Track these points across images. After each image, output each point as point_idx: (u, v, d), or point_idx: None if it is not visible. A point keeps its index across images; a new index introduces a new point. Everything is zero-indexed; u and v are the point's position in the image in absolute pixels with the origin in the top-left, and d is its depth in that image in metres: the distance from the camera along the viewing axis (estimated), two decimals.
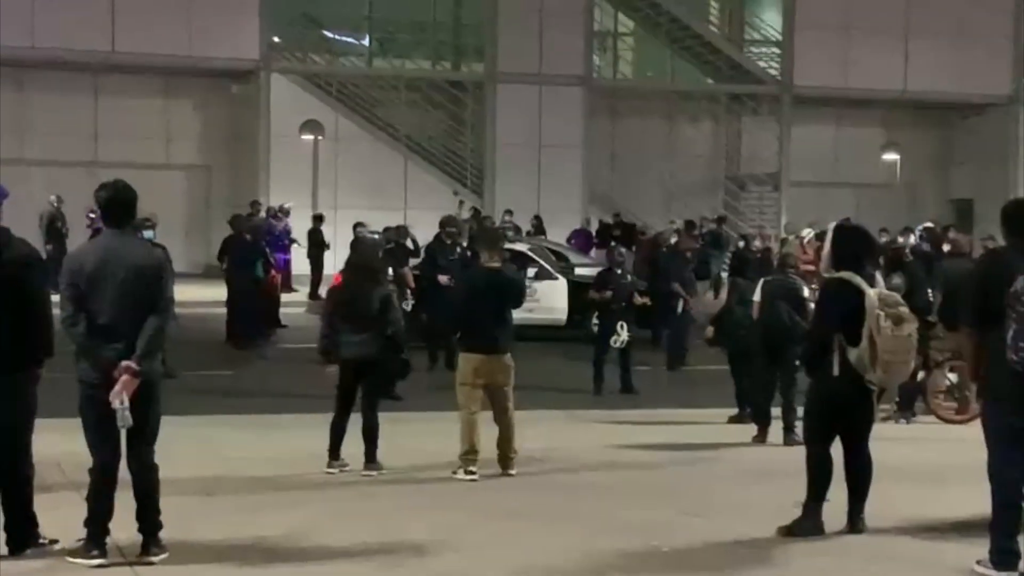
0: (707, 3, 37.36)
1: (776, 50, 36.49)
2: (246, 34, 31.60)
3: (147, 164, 32.63)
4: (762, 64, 36.34)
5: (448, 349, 16.09)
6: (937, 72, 34.89)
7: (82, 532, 7.04)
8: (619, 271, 15.98)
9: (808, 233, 21.91)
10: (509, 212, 28.41)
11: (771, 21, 36.88)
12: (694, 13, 35.71)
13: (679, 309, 18.09)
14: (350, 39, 35.01)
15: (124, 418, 6.85)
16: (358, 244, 12.34)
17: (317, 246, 26.82)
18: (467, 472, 9.80)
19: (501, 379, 10.06)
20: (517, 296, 10.30)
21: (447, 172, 33.70)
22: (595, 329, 16.63)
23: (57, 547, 7.15)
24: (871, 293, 8.03)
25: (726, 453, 11.32)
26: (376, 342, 10.03)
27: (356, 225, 25.62)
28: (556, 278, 21.22)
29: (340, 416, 10.17)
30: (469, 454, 9.89)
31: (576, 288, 21.01)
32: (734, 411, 13.18)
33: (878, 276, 8.47)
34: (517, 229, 26.84)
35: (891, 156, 34.39)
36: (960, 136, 37.78)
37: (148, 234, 16.72)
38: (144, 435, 7.03)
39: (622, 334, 15.54)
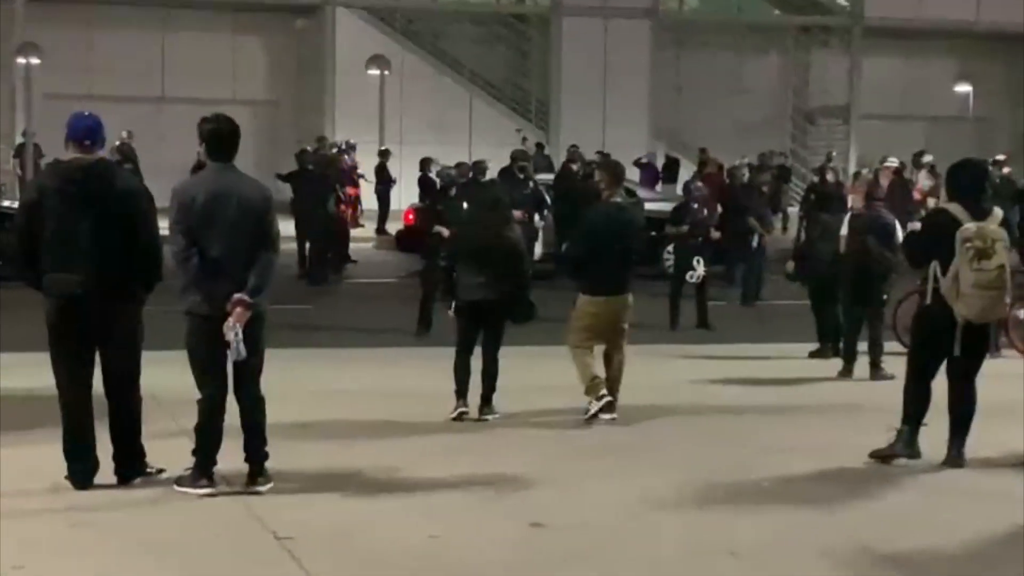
0: None
1: None
2: None
3: (214, 100, 32.74)
4: None
5: None
6: (1010, 2, 34.18)
7: (186, 462, 7.13)
8: (695, 205, 15.84)
9: (893, 162, 21.51)
10: (575, 147, 28.24)
11: None
12: None
13: (755, 244, 17.91)
14: None
15: (238, 350, 6.89)
16: (484, 183, 12.01)
17: (384, 182, 26.83)
18: (598, 400, 9.37)
19: (621, 320, 9.68)
20: (636, 236, 9.92)
21: (512, 107, 33.55)
22: (669, 264, 16.58)
23: (164, 476, 7.25)
24: (967, 225, 7.94)
25: (813, 388, 11.24)
26: (500, 284, 9.46)
27: (424, 160, 25.66)
28: None
29: (462, 357, 9.68)
30: (594, 386, 9.47)
31: (647, 223, 20.90)
32: (814, 346, 13.10)
33: (997, 210, 8.26)
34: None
35: (963, 88, 33.79)
36: None
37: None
38: (253, 367, 7.09)
39: (698, 269, 15.40)
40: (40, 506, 6.80)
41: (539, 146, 29.30)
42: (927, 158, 23.17)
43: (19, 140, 28.26)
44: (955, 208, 8.11)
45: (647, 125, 33.44)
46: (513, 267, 9.55)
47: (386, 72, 28.92)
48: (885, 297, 11.82)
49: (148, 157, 28.28)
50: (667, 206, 24.81)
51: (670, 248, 20.67)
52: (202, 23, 32.82)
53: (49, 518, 6.63)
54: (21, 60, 28.13)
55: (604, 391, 9.44)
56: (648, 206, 22.52)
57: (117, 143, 27.81)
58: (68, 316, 6.88)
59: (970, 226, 7.95)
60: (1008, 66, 36.95)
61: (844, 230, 11.88)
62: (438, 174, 15.24)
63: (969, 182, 8.22)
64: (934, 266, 8.07)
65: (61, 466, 7.10)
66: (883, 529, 6.81)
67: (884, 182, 21.84)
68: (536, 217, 18.31)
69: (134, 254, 6.94)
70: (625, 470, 8.05)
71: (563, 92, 33.04)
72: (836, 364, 12.22)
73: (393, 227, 25.07)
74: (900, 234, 11.46)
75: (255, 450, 7.11)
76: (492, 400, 9.61)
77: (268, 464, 7.16)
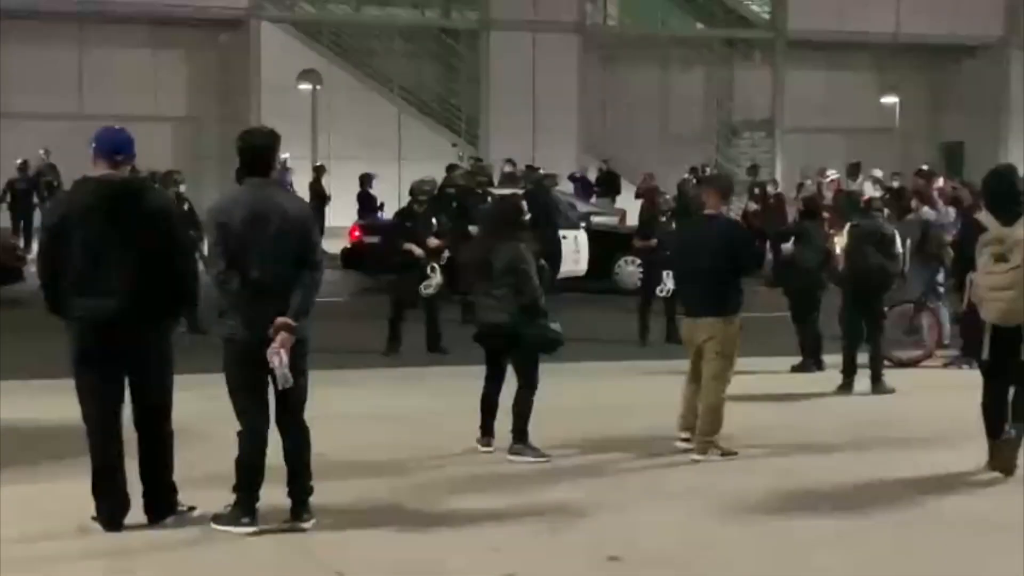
0: None
1: None
2: None
3: (134, 116, 31.96)
4: (755, 8, 35.96)
5: None
6: (930, 14, 34.68)
7: (214, 498, 6.68)
8: (663, 219, 15.64)
9: (833, 175, 21.60)
10: (510, 161, 27.97)
11: None
12: None
13: None
14: None
15: (284, 377, 6.48)
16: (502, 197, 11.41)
17: (319, 198, 26.29)
18: (681, 440, 8.97)
19: (703, 345, 8.93)
20: (747, 254, 9.14)
21: (441, 122, 33.19)
22: (638, 279, 16.34)
23: (196, 514, 6.78)
24: (991, 231, 8.00)
25: (821, 403, 11.05)
26: (506, 305, 8.82)
27: (364, 176, 25.20)
28: (577, 228, 20.77)
29: (485, 388, 9.11)
30: (680, 420, 9.09)
31: (596, 237, 20.73)
32: (795, 359, 12.95)
33: None
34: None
35: (890, 99, 34.14)
36: (952, 80, 37.61)
37: (182, 188, 16.36)
38: (297, 395, 6.67)
39: (667, 283, 15.19)
40: (71, 551, 6.31)
41: (476, 160, 28.90)
42: (876, 172, 23.29)
43: None
44: (984, 216, 8.26)
45: (576, 139, 33.28)
46: (516, 286, 8.93)
47: (318, 87, 28.39)
48: (885, 309, 11.71)
49: (68, 175, 27.51)
50: (611, 219, 24.90)
51: (621, 262, 20.77)
52: (121, 37, 32.00)
53: (85, 567, 6.12)
54: None
55: (683, 429, 9.02)
56: (594, 219, 22.50)
57: (34, 162, 27.12)
58: (97, 342, 6.39)
59: (991, 231, 8.01)
60: (928, 77, 37.50)
61: (842, 242, 11.74)
62: (412, 189, 14.80)
63: (997, 189, 8.31)
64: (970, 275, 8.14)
65: (85, 505, 6.60)
66: None
67: (828, 193, 21.96)
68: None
69: (168, 276, 6.46)
70: (682, 498, 7.72)
71: (492, 106, 32.75)
72: (821, 378, 12.07)
73: (333, 245, 24.55)
74: (899, 244, 11.37)
75: (301, 484, 6.69)
76: (525, 437, 8.78)
77: None
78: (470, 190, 17.72)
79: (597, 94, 34.46)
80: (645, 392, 11.45)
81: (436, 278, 14.13)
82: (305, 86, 28.59)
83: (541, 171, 22.47)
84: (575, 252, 20.12)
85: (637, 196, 28.15)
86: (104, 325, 6.36)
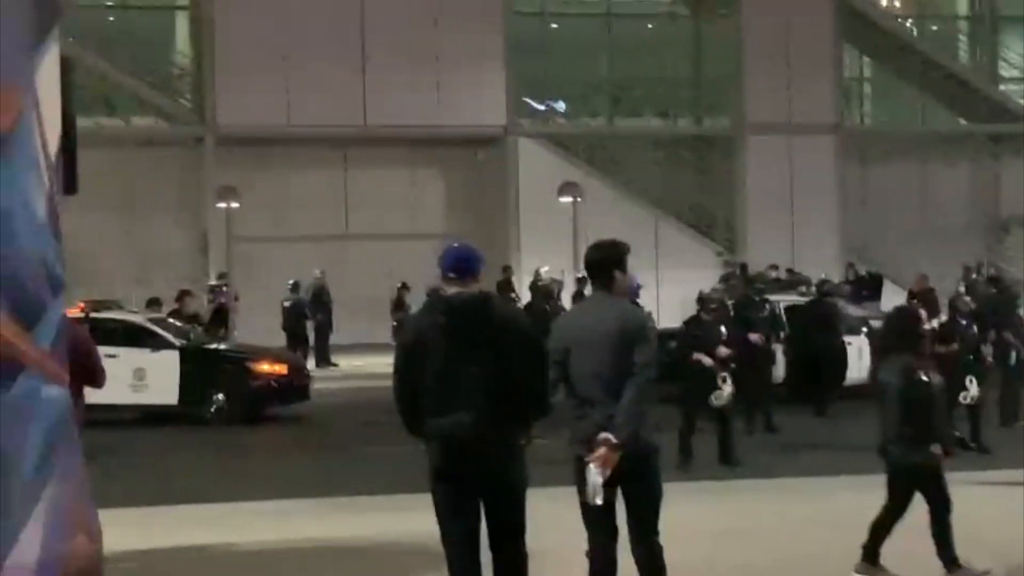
0: (956, 40, 36.00)
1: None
2: (493, 100, 31.61)
3: (393, 234, 32.90)
4: (1021, 101, 34.73)
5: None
6: None
7: None
8: (964, 322, 14.94)
9: None
10: (774, 267, 27.39)
11: None
12: (944, 51, 34.42)
13: (1013, 360, 16.86)
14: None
15: (596, 491, 6.31)
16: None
17: None
18: None
19: None
20: None
21: (698, 229, 32.99)
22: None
23: None
24: None
25: None
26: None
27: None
28: (858, 333, 19.98)
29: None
30: None
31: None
32: None
33: None
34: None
35: None
36: None
37: None
38: (645, 515, 6.47)
39: (972, 388, 14.51)
40: None
41: (743, 266, 28.56)
42: None
43: (212, 282, 28.48)
44: None
45: (837, 241, 32.55)
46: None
47: (579, 199, 28.62)
48: None
49: (335, 292, 28.37)
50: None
51: None
52: (382, 158, 33.06)
53: None
54: (221, 204, 28.43)
55: None
56: (874, 323, 21.71)
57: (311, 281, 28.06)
58: (455, 460, 6.31)
59: None
60: None
61: None
62: (701, 297, 14.59)
63: None
64: None
65: None
66: None
67: None
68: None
69: (519, 389, 6.37)
70: None
71: (750, 211, 32.41)
72: None
73: None
74: None
75: None
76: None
77: None
78: (747, 298, 17.37)
79: (856, 195, 33.73)
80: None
81: (727, 388, 13.79)
82: (566, 199, 28.85)
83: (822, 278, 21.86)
84: (859, 359, 19.44)
85: (911, 297, 27.25)
86: (461, 442, 6.28)
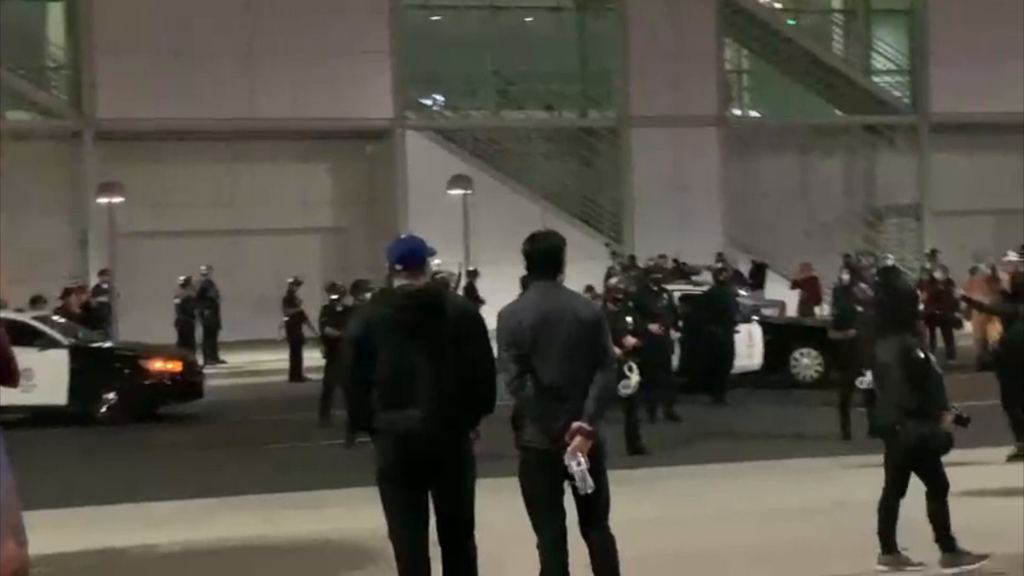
0: (830, 34, 36.78)
1: (899, 78, 35.86)
2: (380, 94, 31.45)
3: (284, 229, 32.53)
4: (896, 93, 35.62)
5: None
6: None
7: None
8: (860, 308, 15.26)
9: (1013, 256, 21.00)
10: (663, 257, 27.64)
11: (898, 46, 36.22)
12: (820, 44, 35.15)
13: None
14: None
15: (585, 481, 6.29)
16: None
17: (475, 302, 26.31)
18: None
19: None
20: None
21: (585, 221, 33.20)
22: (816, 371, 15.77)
23: None
24: None
25: None
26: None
27: (525, 279, 25.07)
28: (749, 321, 20.30)
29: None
30: None
31: (770, 330, 20.39)
32: (1010, 448, 12.45)
33: None
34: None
35: None
36: None
37: (368, 296, 16.43)
38: (603, 501, 6.47)
39: (867, 375, 14.76)
40: None
41: (631, 258, 28.79)
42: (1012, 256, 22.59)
43: (94, 281, 27.82)
44: None
45: (721, 231, 33.04)
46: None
47: (469, 191, 28.62)
48: None
49: (225, 288, 27.97)
50: (773, 311, 24.52)
51: (797, 354, 20.37)
52: (269, 152, 32.66)
53: None
54: (103, 200, 27.77)
55: None
56: (765, 311, 22.17)
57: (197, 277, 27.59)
58: (406, 456, 6.24)
59: None
60: None
61: None
62: (607, 288, 14.69)
63: None
64: None
65: None
66: None
67: (1004, 275, 21.32)
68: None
69: (472, 383, 6.32)
70: None
71: (636, 203, 32.73)
72: None
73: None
74: None
75: None
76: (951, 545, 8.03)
77: None
78: (647, 288, 17.52)
79: (739, 186, 34.27)
80: None
81: (635, 377, 13.91)
82: (456, 191, 28.82)
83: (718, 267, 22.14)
84: (749, 346, 19.77)
85: (794, 286, 27.83)
86: (412, 438, 6.21)
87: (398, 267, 6.41)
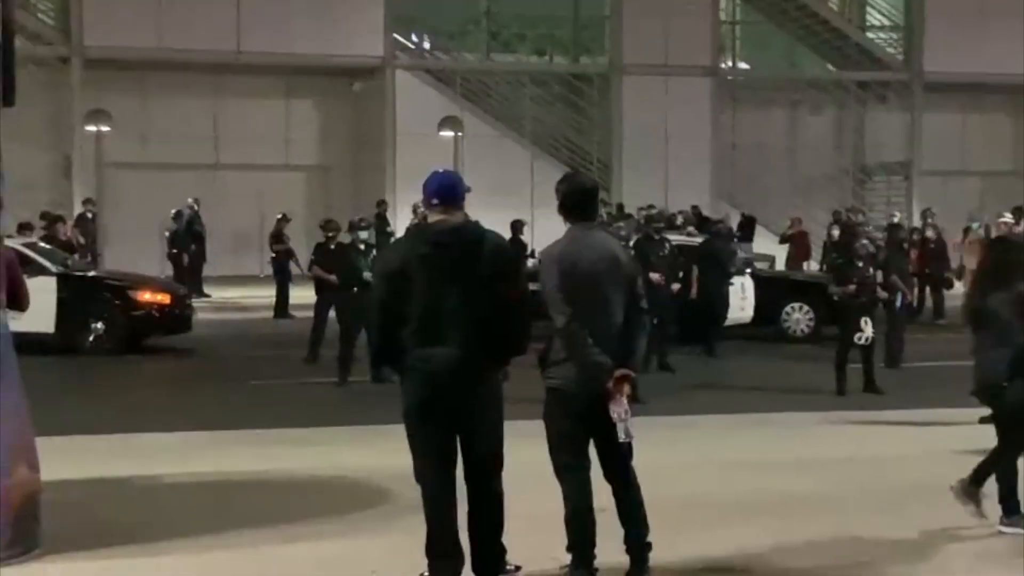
0: None
1: (894, 35, 35.67)
2: (369, 31, 31.04)
3: (266, 166, 32.24)
4: (890, 50, 35.42)
5: None
6: None
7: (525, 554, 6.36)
8: (860, 264, 15.16)
9: (1008, 217, 20.97)
10: (652, 207, 27.51)
11: (894, 2, 36.00)
12: None
13: (899, 303, 17.22)
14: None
15: (627, 430, 6.18)
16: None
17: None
18: None
19: None
20: None
21: (574, 168, 32.94)
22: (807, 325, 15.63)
23: (522, 574, 6.47)
24: None
25: None
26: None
27: (515, 223, 24.99)
28: (743, 274, 20.21)
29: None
30: None
31: (762, 284, 20.32)
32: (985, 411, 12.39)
33: None
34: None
35: None
36: None
37: (363, 235, 16.25)
38: (629, 446, 6.34)
39: (867, 330, 14.78)
40: None
41: (619, 207, 28.63)
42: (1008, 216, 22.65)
43: (78, 210, 27.49)
44: None
45: (709, 183, 32.90)
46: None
47: (460, 133, 28.33)
48: None
49: (207, 224, 27.67)
50: (761, 264, 24.43)
51: (789, 308, 20.31)
52: (255, 87, 32.27)
53: None
54: (90, 128, 27.37)
55: None
56: (758, 265, 22.08)
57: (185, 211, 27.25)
58: (438, 394, 6.10)
59: None
60: None
61: None
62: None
63: None
64: None
65: (411, 562, 6.31)
66: None
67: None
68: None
69: (507, 323, 6.16)
70: None
71: (625, 151, 32.51)
72: None
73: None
74: None
75: (637, 537, 6.34)
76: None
77: None
78: (648, 236, 17.34)
79: (729, 138, 34.10)
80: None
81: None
82: (447, 133, 28.54)
83: (715, 219, 22.04)
84: (741, 299, 19.69)
85: (783, 240, 27.75)
86: (443, 375, 6.07)
87: (435, 202, 6.25)
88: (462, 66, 32.98)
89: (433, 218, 6.25)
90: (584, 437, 6.35)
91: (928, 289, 23.20)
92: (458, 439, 6.20)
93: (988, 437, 10.08)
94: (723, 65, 34.08)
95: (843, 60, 35.32)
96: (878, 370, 15.53)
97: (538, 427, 6.48)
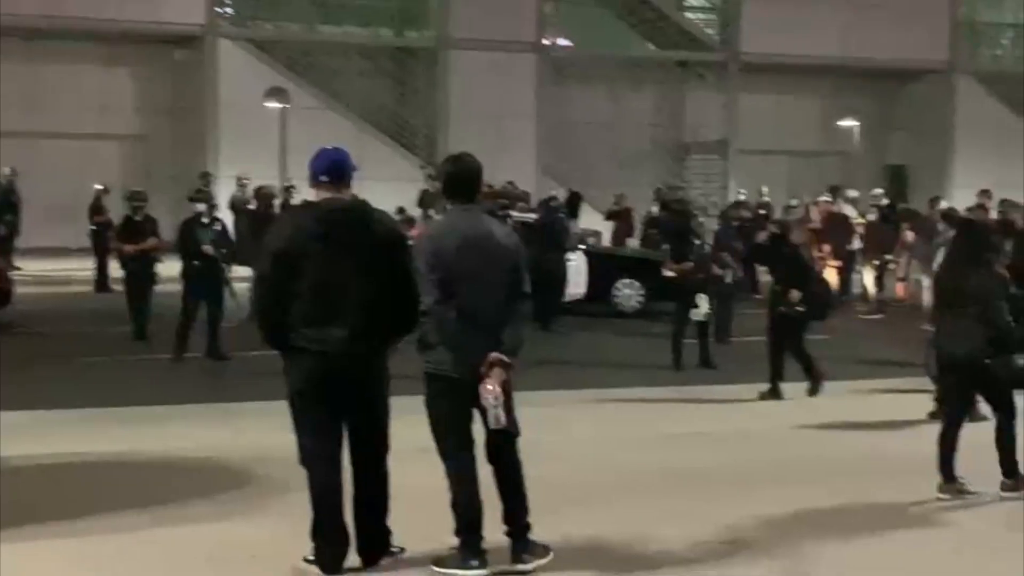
0: None
1: (712, 16, 36.49)
2: None
3: (81, 134, 31.25)
4: (709, 31, 36.21)
5: None
6: (877, 39, 35.21)
7: (413, 537, 6.37)
8: (697, 241, 15.52)
9: (827, 198, 21.74)
10: (489, 187, 27.60)
11: None
12: None
13: (728, 279, 17.66)
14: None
15: (497, 416, 6.16)
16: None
17: None
18: None
19: None
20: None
21: (400, 142, 32.86)
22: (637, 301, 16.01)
23: (405, 555, 6.45)
24: None
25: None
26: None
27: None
28: (576, 250, 20.42)
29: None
30: None
31: (594, 260, 20.62)
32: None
33: None
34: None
35: (846, 123, 34.60)
36: (897, 104, 38.24)
37: (200, 207, 15.87)
38: (510, 431, 6.35)
39: (702, 306, 15.12)
40: None
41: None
42: (851, 192, 23.60)
43: None
44: None
45: (535, 160, 33.17)
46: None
47: (287, 105, 27.90)
48: None
49: (22, 193, 26.66)
50: (591, 240, 24.75)
51: (619, 284, 20.65)
52: (71, 53, 31.18)
53: None
54: None
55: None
56: (590, 241, 22.38)
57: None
58: (325, 376, 6.02)
59: None
60: (874, 101, 38.04)
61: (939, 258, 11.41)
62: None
63: None
64: None
65: (291, 545, 6.23)
66: None
67: (816, 216, 22.07)
68: None
69: (396, 302, 6.11)
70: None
71: (451, 126, 32.51)
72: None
73: None
74: None
75: (519, 519, 6.38)
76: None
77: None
78: (492, 214, 17.35)
79: (555, 115, 34.40)
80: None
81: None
82: (273, 105, 28.07)
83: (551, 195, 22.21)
84: (576, 275, 19.96)
85: (608, 217, 28.18)
86: (335, 355, 5.99)
87: (323, 179, 6.17)
88: (287, 36, 32.46)
89: (321, 196, 6.16)
90: (465, 420, 6.34)
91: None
92: (343, 420, 6.15)
93: (828, 409, 10.54)
94: (545, 42, 34.28)
95: (664, 39, 35.96)
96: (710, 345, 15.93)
97: (418, 403, 6.44)
